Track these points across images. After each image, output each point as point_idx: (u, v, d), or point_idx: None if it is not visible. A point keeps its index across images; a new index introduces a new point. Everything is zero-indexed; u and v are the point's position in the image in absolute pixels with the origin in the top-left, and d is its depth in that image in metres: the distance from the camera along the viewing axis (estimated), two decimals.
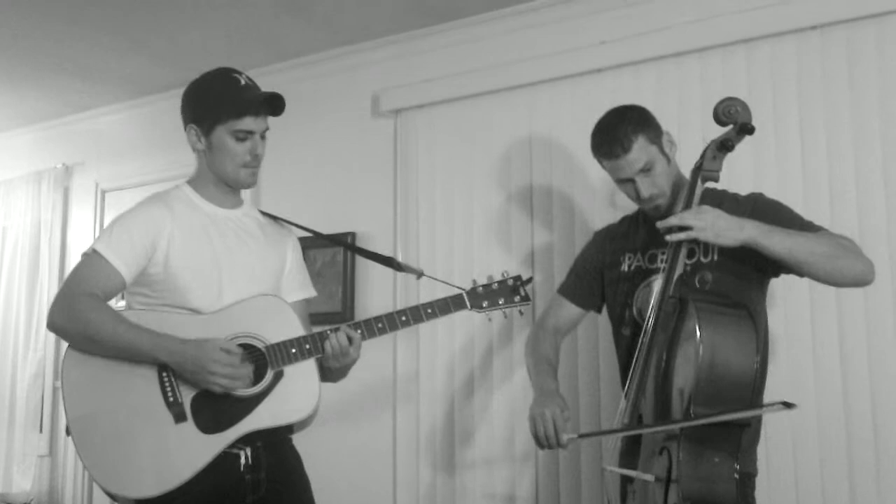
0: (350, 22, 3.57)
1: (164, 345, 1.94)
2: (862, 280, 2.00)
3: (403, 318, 2.10)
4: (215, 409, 1.97)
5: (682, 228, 1.94)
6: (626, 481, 2.08)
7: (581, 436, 2.09)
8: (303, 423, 2.08)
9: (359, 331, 2.07)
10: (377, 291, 3.67)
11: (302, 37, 3.73)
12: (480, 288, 2.17)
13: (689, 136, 2.78)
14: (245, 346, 2.02)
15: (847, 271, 1.96)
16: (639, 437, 2.03)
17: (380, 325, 2.09)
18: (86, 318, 1.96)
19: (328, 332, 2.06)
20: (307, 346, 2.04)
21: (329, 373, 2.14)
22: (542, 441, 2.01)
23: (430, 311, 2.11)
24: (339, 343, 2.04)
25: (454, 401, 3.39)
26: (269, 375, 2.01)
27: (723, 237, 1.91)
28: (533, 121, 3.33)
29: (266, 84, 2.21)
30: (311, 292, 2.34)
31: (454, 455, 3.37)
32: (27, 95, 4.48)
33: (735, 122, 1.98)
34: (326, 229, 3.09)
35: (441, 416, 3.41)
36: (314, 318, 2.34)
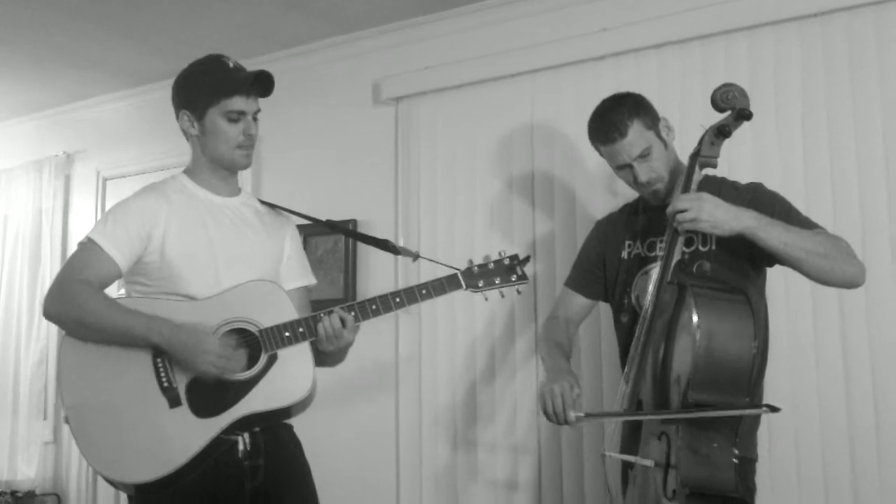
0: (350, 10, 3.56)
1: (158, 328, 1.95)
2: (851, 283, 2.00)
3: (398, 300, 2.09)
4: (210, 394, 1.98)
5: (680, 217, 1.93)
6: (626, 467, 2.08)
7: (588, 415, 2.07)
8: (299, 406, 2.08)
9: (352, 313, 2.06)
10: (379, 277, 3.67)
11: (302, 25, 3.71)
12: (476, 268, 2.15)
13: (691, 124, 2.74)
14: (239, 331, 2.03)
15: (839, 272, 1.96)
16: (640, 423, 2.02)
17: (374, 306, 2.08)
18: (79, 303, 1.98)
19: (321, 314, 2.06)
20: (301, 330, 2.04)
21: (325, 357, 2.13)
22: (549, 416, 1.99)
23: (424, 291, 2.10)
24: (332, 325, 2.04)
25: (456, 384, 3.40)
26: (263, 359, 2.01)
27: (720, 227, 1.91)
28: (534, 108, 3.32)
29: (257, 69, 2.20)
30: (310, 280, 2.35)
31: (457, 438, 3.37)
32: (28, 84, 4.48)
33: (733, 107, 1.97)
34: (327, 217, 3.08)
35: (443, 400, 3.42)
36: (317, 305, 2.32)
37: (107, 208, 4.50)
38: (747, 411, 1.87)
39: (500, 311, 3.29)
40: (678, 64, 3.02)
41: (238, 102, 2.11)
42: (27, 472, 4.62)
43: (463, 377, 3.39)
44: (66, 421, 1.99)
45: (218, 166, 2.18)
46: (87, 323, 1.98)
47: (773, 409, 1.76)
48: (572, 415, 1.96)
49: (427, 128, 3.58)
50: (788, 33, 2.84)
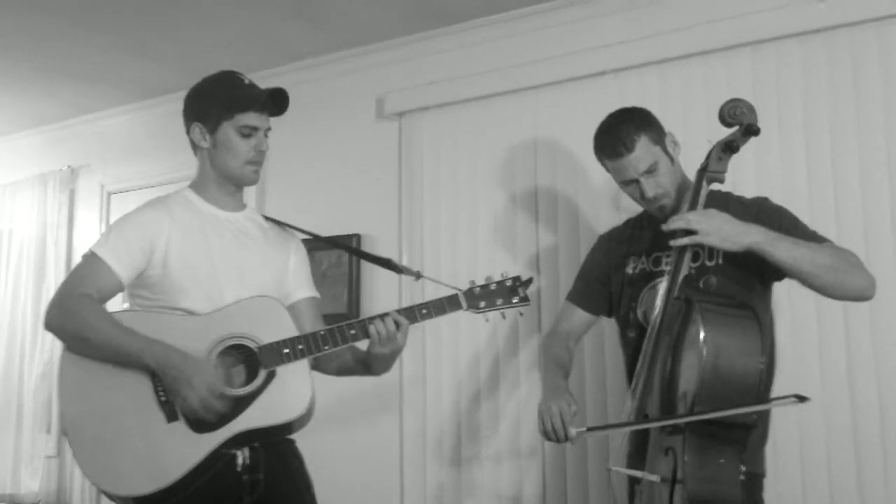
0: (355, 25, 3.57)
1: (152, 350, 1.94)
2: (862, 295, 1.99)
3: None
4: None
5: (687, 232, 1.94)
6: (633, 482, 2.07)
7: (589, 429, 2.06)
8: (298, 423, 2.06)
9: (353, 331, 2.07)
10: (383, 293, 3.67)
11: (306, 39, 3.73)
12: (478, 288, 2.14)
13: (695, 139, 2.76)
14: (238, 347, 2.02)
15: (848, 285, 1.96)
16: (646, 438, 2.01)
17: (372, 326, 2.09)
18: (79, 317, 1.98)
19: (325, 330, 2.06)
20: (300, 347, 2.03)
21: (372, 361, 2.16)
22: (549, 435, 1.99)
23: (424, 311, 2.10)
24: (387, 329, 2.06)
25: (460, 401, 3.38)
26: (262, 375, 2.00)
27: (728, 241, 1.91)
28: (537, 124, 3.33)
29: (270, 86, 2.22)
30: (316, 294, 2.35)
31: (461, 455, 3.36)
32: (33, 98, 4.50)
33: (740, 123, 1.98)
34: (331, 232, 3.09)
35: (448, 417, 3.41)
36: None
37: (111, 223, 4.54)
38: (770, 405, 1.80)
39: (504, 326, 3.28)
40: (681, 80, 3.02)
41: (252, 118, 2.13)
42: (31, 485, 4.60)
43: (466, 393, 3.38)
44: (65, 433, 1.99)
45: (225, 181, 2.19)
46: (85, 338, 1.98)
47: (802, 399, 1.68)
48: (573, 431, 1.97)
49: (430, 143, 3.59)
50: (791, 49, 2.85)
